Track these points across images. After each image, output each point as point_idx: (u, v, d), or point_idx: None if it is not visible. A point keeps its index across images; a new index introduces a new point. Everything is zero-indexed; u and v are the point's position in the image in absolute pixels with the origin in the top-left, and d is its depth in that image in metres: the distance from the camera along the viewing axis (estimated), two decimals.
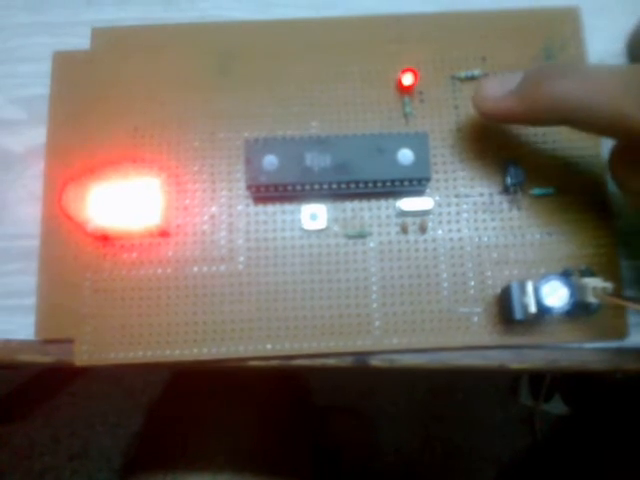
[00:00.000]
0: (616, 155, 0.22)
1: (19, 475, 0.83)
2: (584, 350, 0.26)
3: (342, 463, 0.68)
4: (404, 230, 0.26)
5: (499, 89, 0.22)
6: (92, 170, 0.26)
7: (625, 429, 0.69)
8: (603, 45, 0.28)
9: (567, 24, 0.27)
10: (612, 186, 0.26)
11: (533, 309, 0.23)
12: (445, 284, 0.25)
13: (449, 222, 0.26)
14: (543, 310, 0.23)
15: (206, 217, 0.26)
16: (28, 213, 0.26)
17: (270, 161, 0.24)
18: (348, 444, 0.72)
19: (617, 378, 0.78)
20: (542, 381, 0.85)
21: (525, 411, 0.86)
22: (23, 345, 0.26)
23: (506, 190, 0.26)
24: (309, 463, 0.49)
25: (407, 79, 0.26)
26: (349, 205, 0.26)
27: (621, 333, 0.25)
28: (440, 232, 0.26)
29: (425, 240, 0.26)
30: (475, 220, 0.26)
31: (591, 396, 0.81)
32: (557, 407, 0.85)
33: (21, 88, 0.28)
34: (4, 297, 0.26)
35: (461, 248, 0.25)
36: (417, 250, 0.25)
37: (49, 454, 0.84)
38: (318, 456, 0.52)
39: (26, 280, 0.26)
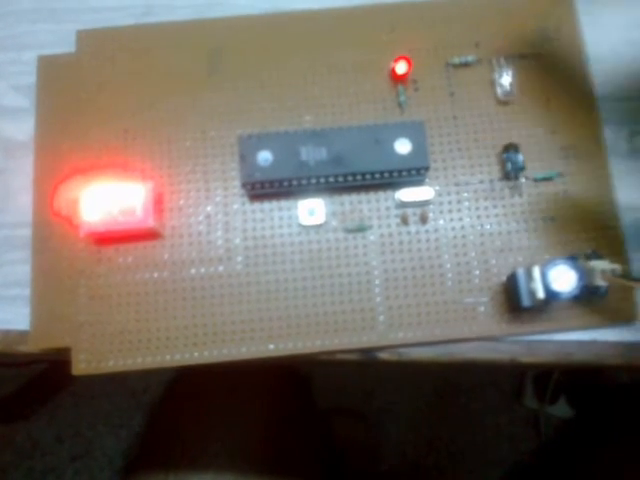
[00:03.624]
0: None
1: (21, 475, 0.82)
2: (597, 344, 0.25)
3: (346, 465, 0.67)
4: (405, 221, 0.25)
5: None
6: (83, 174, 0.25)
7: (631, 432, 0.69)
8: (600, 33, 0.27)
9: (560, 6, 0.27)
10: (614, 167, 0.26)
11: (541, 295, 0.22)
12: (449, 275, 0.25)
13: (450, 211, 0.25)
14: (551, 295, 0.22)
15: (201, 217, 0.25)
16: (30, 202, 0.26)
17: (265, 157, 0.24)
18: (352, 446, 0.72)
19: (623, 380, 0.77)
20: (547, 383, 0.84)
21: (530, 414, 0.85)
22: (23, 336, 0.25)
23: (507, 176, 0.25)
24: (313, 465, 0.48)
25: (400, 68, 0.26)
26: (347, 198, 0.25)
27: (630, 316, 0.24)
28: (441, 222, 0.25)
29: (427, 231, 0.25)
30: (477, 208, 0.25)
31: (597, 398, 0.81)
32: (562, 410, 0.84)
33: (24, 75, 0.28)
34: (4, 287, 0.26)
35: (464, 237, 0.25)
36: (419, 241, 0.25)
37: (51, 454, 0.83)
38: (322, 458, 0.51)
39: (27, 270, 0.25)
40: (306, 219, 0.25)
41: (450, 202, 0.25)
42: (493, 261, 0.25)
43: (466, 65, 0.27)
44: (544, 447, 0.83)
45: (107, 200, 0.24)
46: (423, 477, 0.82)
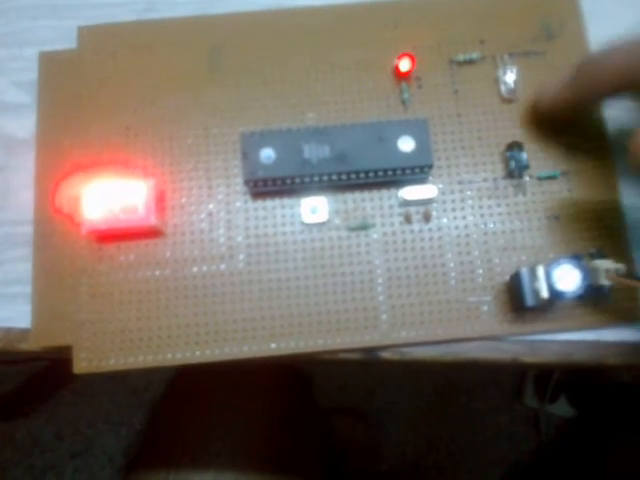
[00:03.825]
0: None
1: (21, 472, 0.82)
2: (600, 344, 0.25)
3: (346, 465, 0.67)
4: (408, 220, 0.25)
5: (556, 82, 0.24)
6: (84, 171, 0.25)
7: (632, 432, 0.68)
8: (604, 30, 0.27)
9: (564, 3, 0.27)
10: (618, 166, 0.26)
11: (545, 294, 0.22)
12: (452, 273, 0.24)
13: (453, 209, 0.25)
14: (555, 295, 0.22)
15: (203, 215, 0.25)
16: (31, 199, 0.25)
17: (267, 154, 0.24)
18: (352, 446, 0.72)
19: (624, 379, 0.77)
20: (547, 382, 0.84)
21: (530, 413, 0.85)
22: (24, 334, 0.25)
23: (510, 174, 0.25)
24: (314, 464, 0.48)
25: (404, 65, 0.25)
26: (350, 196, 0.25)
27: (634, 316, 0.24)
28: (445, 220, 0.25)
29: (430, 229, 0.25)
30: (480, 206, 0.25)
31: (597, 398, 0.80)
32: (563, 409, 0.84)
33: (26, 72, 0.27)
34: (5, 285, 0.25)
35: (467, 236, 0.25)
36: (422, 240, 0.25)
37: (51, 451, 0.83)
38: (323, 457, 0.51)
39: (28, 267, 0.25)
40: (309, 217, 0.25)
41: (453, 200, 0.25)
42: (497, 260, 0.25)
43: (470, 62, 0.26)
44: (544, 446, 0.83)
45: (109, 197, 0.23)
46: (423, 477, 0.82)
